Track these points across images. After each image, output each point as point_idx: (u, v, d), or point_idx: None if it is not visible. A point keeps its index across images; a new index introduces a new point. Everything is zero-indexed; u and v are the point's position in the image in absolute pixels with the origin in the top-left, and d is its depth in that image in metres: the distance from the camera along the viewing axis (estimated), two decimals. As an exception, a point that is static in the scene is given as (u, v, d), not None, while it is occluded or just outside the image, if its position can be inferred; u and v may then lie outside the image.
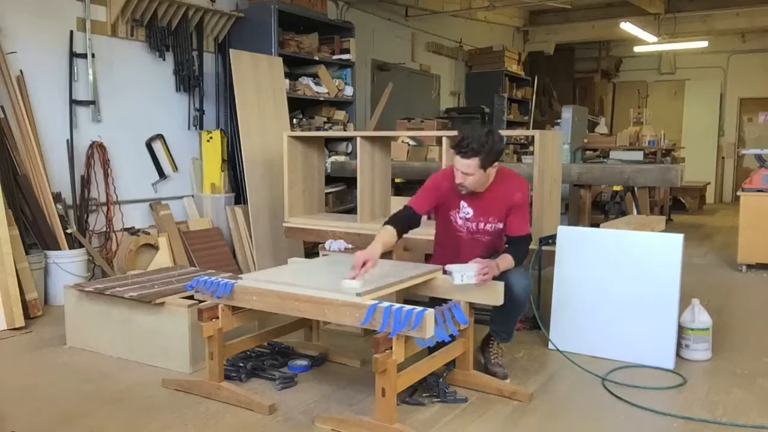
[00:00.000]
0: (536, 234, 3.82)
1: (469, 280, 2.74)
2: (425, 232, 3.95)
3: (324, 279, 2.83)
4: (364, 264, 2.67)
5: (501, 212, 3.07)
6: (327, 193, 5.78)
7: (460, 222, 3.13)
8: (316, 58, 6.34)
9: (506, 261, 2.94)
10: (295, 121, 6.07)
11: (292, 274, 3.01)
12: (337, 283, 2.64)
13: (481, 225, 3.11)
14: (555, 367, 3.27)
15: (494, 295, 2.83)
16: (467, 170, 2.90)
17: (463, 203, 3.09)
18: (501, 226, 3.11)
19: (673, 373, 3.19)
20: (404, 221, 3.03)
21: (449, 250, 3.19)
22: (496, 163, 2.97)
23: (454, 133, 3.10)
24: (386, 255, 3.19)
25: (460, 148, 2.87)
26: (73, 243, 4.55)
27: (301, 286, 2.66)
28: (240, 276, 2.90)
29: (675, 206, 9.91)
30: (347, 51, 6.64)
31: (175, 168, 5.55)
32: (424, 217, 3.18)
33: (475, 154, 2.86)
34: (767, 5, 9.33)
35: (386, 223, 3.00)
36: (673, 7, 9.99)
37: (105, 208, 4.97)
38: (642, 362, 3.28)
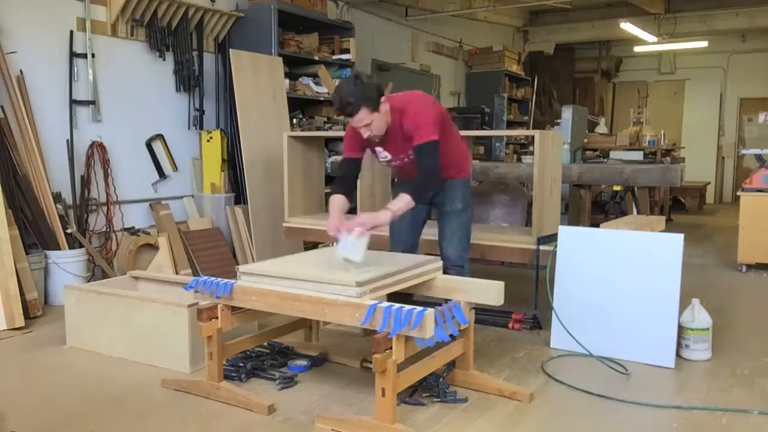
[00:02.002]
0: (536, 234, 3.82)
1: (353, 253, 2.74)
2: (426, 231, 3.96)
3: (323, 267, 2.83)
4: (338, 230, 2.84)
5: (410, 144, 3.06)
6: (327, 193, 5.78)
7: (384, 162, 3.28)
8: (316, 58, 6.34)
9: (400, 201, 2.92)
10: (295, 121, 6.07)
11: (291, 263, 3.01)
12: (335, 267, 2.72)
13: (404, 158, 3.17)
14: (555, 367, 3.27)
15: (494, 295, 2.82)
16: (363, 122, 2.95)
17: (377, 149, 3.20)
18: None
19: (673, 370, 3.19)
20: (347, 180, 3.22)
21: (399, 173, 3.39)
22: (383, 99, 2.98)
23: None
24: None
25: (344, 109, 2.93)
26: (73, 243, 4.55)
27: (299, 279, 2.66)
28: (237, 267, 2.90)
29: (675, 206, 9.91)
30: (347, 51, 6.65)
31: (175, 168, 5.55)
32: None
33: (359, 105, 2.90)
34: (767, 5, 9.33)
35: (333, 193, 3.15)
36: (673, 7, 9.99)
37: (105, 208, 4.97)
38: (642, 361, 3.28)
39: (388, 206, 2.94)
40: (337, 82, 6.48)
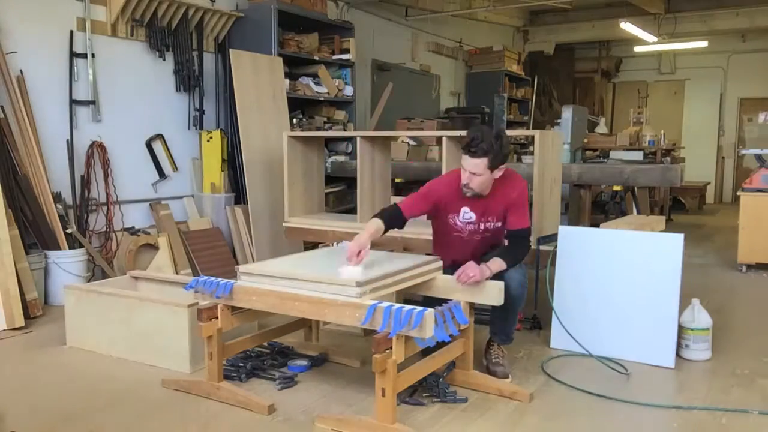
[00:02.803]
0: (536, 234, 3.82)
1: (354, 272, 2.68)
2: (425, 231, 3.95)
3: (323, 267, 2.83)
4: (358, 253, 2.74)
5: (500, 212, 3.11)
6: (327, 193, 5.78)
7: (460, 225, 3.16)
8: (316, 58, 6.34)
9: (497, 263, 2.93)
10: (295, 121, 6.07)
11: (291, 263, 3.01)
12: (336, 272, 2.67)
13: (482, 226, 3.14)
14: (555, 367, 3.27)
15: (494, 295, 2.83)
16: (476, 170, 2.91)
17: (464, 208, 3.11)
18: (500, 224, 3.15)
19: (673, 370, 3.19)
20: (390, 219, 3.05)
21: (449, 248, 3.21)
22: (503, 166, 2.98)
23: (463, 133, 3.09)
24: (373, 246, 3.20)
25: (470, 147, 2.89)
26: (73, 243, 4.55)
27: (299, 279, 2.66)
28: (237, 267, 2.90)
29: (675, 206, 9.91)
30: (347, 51, 6.65)
31: (175, 168, 5.55)
32: (422, 218, 3.18)
33: (485, 154, 2.87)
34: (767, 5, 9.33)
35: (375, 216, 3.04)
36: (673, 7, 9.99)
37: (105, 208, 4.97)
38: (642, 361, 3.28)
39: (489, 265, 2.89)
40: (337, 82, 6.49)
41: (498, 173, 2.98)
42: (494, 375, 3.05)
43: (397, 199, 5.21)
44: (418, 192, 3.16)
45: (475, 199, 3.07)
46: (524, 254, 3.12)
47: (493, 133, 2.91)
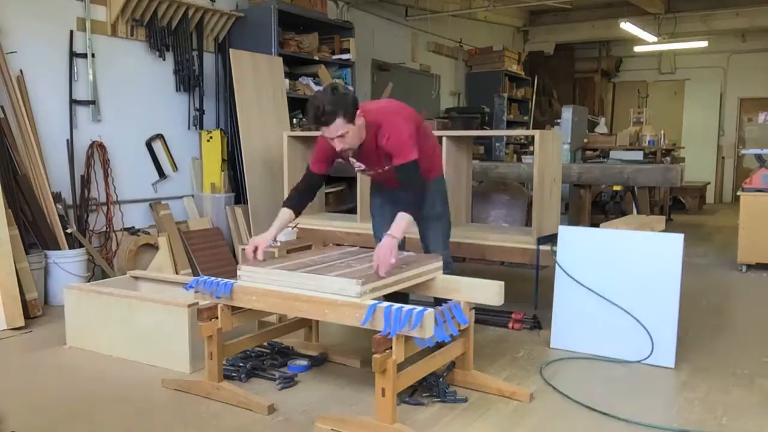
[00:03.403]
0: (536, 234, 3.82)
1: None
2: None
3: (323, 267, 2.82)
4: (255, 250, 2.91)
5: (384, 160, 3.07)
6: (327, 193, 5.78)
7: (358, 171, 3.28)
8: (316, 58, 6.34)
9: (400, 223, 2.83)
10: (295, 121, 6.07)
11: (292, 263, 3.00)
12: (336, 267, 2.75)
13: (379, 170, 3.18)
14: (555, 367, 3.27)
15: (494, 295, 2.81)
16: (338, 133, 2.86)
17: (351, 159, 3.14)
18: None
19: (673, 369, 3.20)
20: (304, 195, 3.17)
21: (374, 177, 3.33)
22: (358, 112, 2.90)
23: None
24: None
25: (319, 118, 2.85)
26: (73, 243, 4.55)
27: (300, 279, 2.67)
28: (237, 267, 2.90)
29: (675, 206, 9.92)
30: (347, 51, 6.65)
31: (175, 168, 5.55)
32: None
33: (335, 115, 2.81)
34: (767, 5, 9.33)
35: (283, 205, 3.15)
36: (673, 7, 9.99)
37: (105, 208, 4.97)
38: (642, 361, 3.28)
39: (390, 232, 2.80)
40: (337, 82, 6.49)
41: (359, 121, 2.91)
42: None
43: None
44: (315, 146, 3.17)
45: (356, 152, 3.05)
46: (416, 185, 2.96)
47: (328, 91, 2.86)
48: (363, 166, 3.18)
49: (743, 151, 8.39)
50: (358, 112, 2.91)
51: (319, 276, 2.64)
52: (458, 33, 9.76)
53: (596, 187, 7.01)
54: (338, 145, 2.92)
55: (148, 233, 5.14)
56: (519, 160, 6.54)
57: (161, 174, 5.40)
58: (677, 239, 3.26)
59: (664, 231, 3.64)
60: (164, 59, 5.38)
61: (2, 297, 3.87)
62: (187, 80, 5.52)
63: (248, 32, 5.80)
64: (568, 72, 12.46)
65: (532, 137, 3.91)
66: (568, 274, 3.46)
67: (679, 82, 12.52)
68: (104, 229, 4.95)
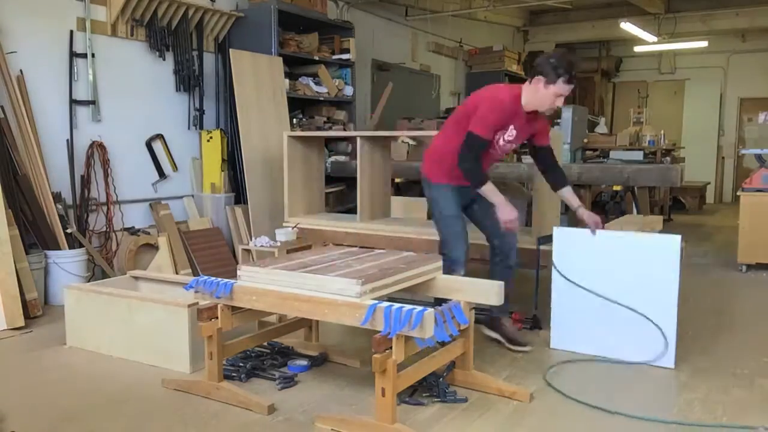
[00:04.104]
0: (536, 233, 3.82)
1: None
2: (425, 231, 3.96)
3: (323, 267, 2.82)
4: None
5: (530, 135, 3.41)
6: (327, 193, 5.78)
7: (501, 143, 3.32)
8: (316, 57, 6.34)
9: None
10: (295, 121, 6.07)
11: (291, 263, 3.00)
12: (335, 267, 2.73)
13: (516, 144, 3.40)
14: (555, 367, 3.27)
15: (494, 295, 2.81)
16: (568, 94, 3.18)
17: (511, 126, 3.26)
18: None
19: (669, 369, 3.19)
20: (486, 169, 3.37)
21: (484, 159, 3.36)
22: None
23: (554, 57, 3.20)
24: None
25: (573, 75, 3.12)
26: (73, 243, 4.55)
27: (300, 279, 2.66)
28: (239, 266, 2.90)
29: (675, 206, 9.92)
30: (347, 51, 6.65)
31: (175, 168, 5.55)
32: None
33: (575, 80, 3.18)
34: (767, 5, 9.33)
35: (484, 183, 3.25)
36: (673, 7, 9.99)
37: (105, 208, 4.97)
38: (642, 361, 3.28)
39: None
40: (337, 82, 6.49)
41: None
42: (519, 343, 3.46)
43: (397, 199, 5.22)
44: (489, 113, 3.19)
45: (522, 117, 3.26)
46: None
47: (569, 57, 3.16)
48: (513, 135, 3.29)
49: (743, 151, 8.38)
50: None
51: (320, 276, 2.64)
52: (458, 33, 9.76)
53: (596, 187, 7.01)
54: (558, 102, 3.17)
55: (148, 233, 5.14)
56: (519, 160, 6.53)
57: (161, 174, 5.40)
58: (675, 240, 3.25)
59: (663, 231, 3.63)
60: (164, 59, 5.38)
61: (2, 297, 3.87)
62: (187, 80, 5.52)
63: (248, 32, 5.80)
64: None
65: (532, 137, 3.90)
66: (562, 275, 3.46)
67: (679, 82, 12.52)
68: (104, 229, 4.95)
